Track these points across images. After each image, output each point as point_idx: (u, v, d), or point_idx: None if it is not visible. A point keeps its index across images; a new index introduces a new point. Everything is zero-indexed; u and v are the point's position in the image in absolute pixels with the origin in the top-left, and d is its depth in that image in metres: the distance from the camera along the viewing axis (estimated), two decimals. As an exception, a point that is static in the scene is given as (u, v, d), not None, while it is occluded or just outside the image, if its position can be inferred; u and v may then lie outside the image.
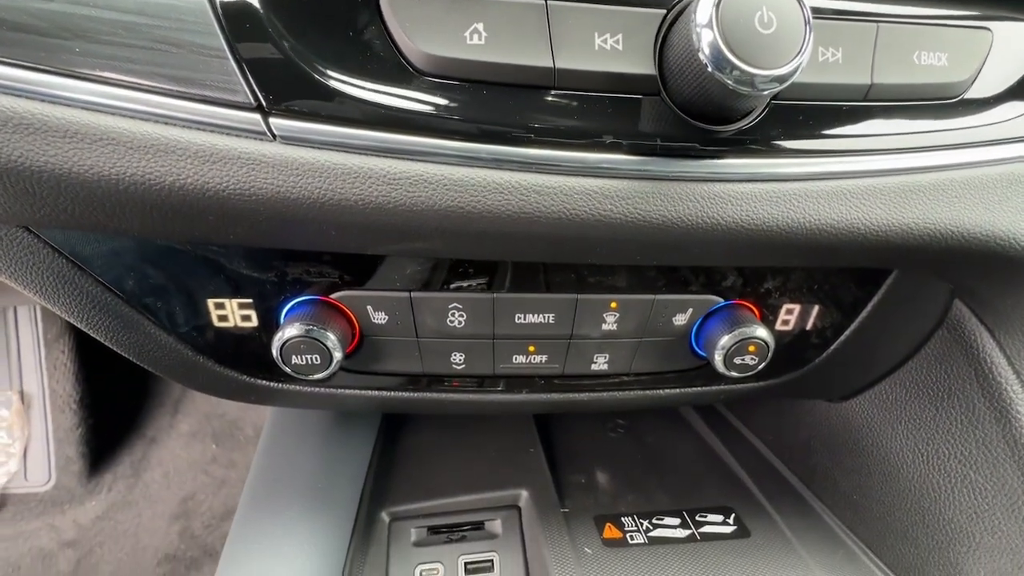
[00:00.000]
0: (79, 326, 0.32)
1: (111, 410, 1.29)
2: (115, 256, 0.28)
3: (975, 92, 0.26)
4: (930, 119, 0.26)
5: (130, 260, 0.28)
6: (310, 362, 0.29)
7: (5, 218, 0.25)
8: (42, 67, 0.21)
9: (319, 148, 0.22)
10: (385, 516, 0.42)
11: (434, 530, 0.41)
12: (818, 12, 0.23)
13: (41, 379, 1.21)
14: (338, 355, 0.29)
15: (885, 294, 0.33)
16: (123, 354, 0.33)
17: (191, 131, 0.22)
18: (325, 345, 0.28)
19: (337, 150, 0.22)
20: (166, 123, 0.22)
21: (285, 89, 0.21)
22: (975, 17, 0.26)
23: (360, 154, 0.22)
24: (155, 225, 0.25)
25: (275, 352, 0.28)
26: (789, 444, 0.46)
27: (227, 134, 0.22)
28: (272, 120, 0.22)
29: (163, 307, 0.30)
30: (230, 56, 0.21)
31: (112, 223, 0.25)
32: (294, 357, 0.28)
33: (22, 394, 1.22)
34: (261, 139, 0.22)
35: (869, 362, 0.37)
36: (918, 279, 0.32)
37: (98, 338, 0.32)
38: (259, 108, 0.21)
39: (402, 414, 0.52)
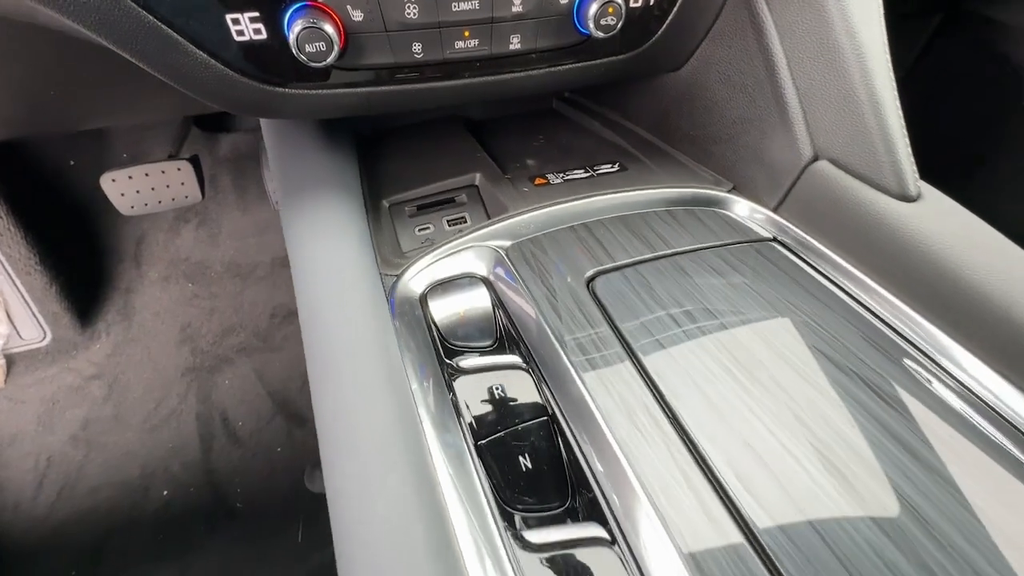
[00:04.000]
0: (132, 56, 0.42)
1: (75, 269, 1.35)
2: None
3: None
4: None
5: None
6: (319, 49, 0.42)
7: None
8: None
9: None
10: (385, 203, 0.59)
11: (421, 207, 0.60)
12: None
13: (-10, 248, 1.23)
14: (337, 41, 0.42)
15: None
16: (170, 80, 0.44)
17: None
18: (327, 32, 0.41)
19: None
20: None
21: None
22: None
23: None
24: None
25: (292, 42, 0.41)
26: (653, 117, 0.66)
27: None
28: None
29: (196, 27, 0.41)
30: None
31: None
32: (307, 45, 0.41)
33: (-22, 265, 1.25)
34: None
35: (692, 30, 0.54)
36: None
37: (146, 65, 0.43)
38: None
39: (372, 138, 0.67)
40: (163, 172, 1.26)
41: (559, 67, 0.52)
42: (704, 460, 0.33)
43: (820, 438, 0.34)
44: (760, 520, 0.30)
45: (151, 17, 0.40)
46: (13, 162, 1.31)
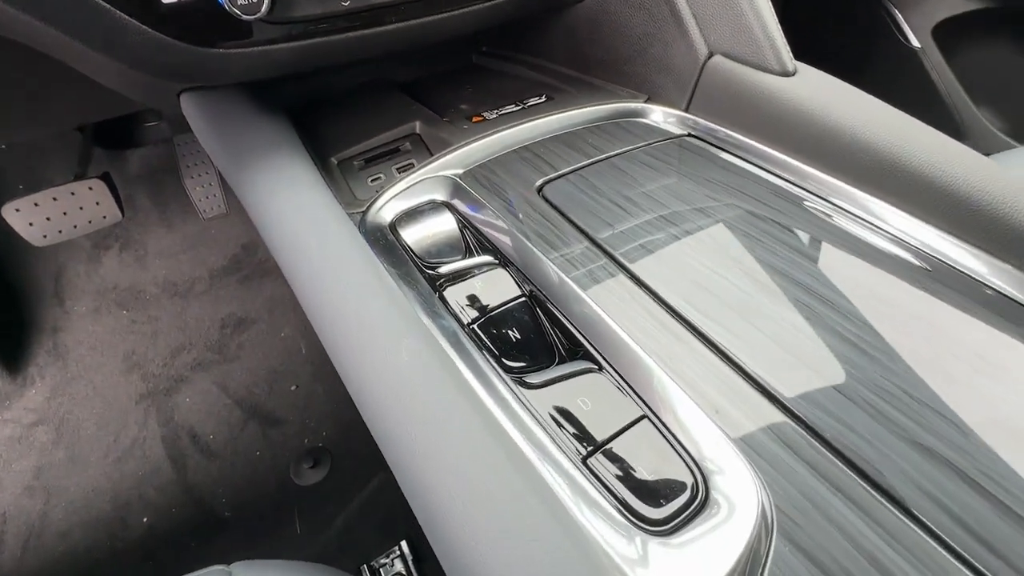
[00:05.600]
0: (51, 26, 0.42)
1: (-10, 316, 1.25)
2: None
3: None
4: None
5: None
6: (250, 0, 0.44)
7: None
8: None
9: None
10: (333, 160, 0.61)
11: (369, 160, 0.62)
12: None
13: None
14: (267, -10, 0.44)
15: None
16: (95, 47, 0.44)
17: None
18: (256, -18, 0.43)
19: None
20: None
21: None
22: None
23: None
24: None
25: (224, -5, 0.43)
26: (568, 52, 0.72)
27: None
28: None
29: (119, -10, 0.41)
30: None
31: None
32: (239, -2, 0.43)
33: None
34: None
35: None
36: None
37: (71, 37, 0.43)
38: None
39: (304, 108, 0.69)
40: (73, 194, 1.19)
41: (475, 7, 0.57)
42: (667, 304, 0.39)
43: (751, 273, 0.42)
44: (725, 340, 0.36)
45: (74, -16, 0.40)
46: None
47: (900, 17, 1.59)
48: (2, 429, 1.21)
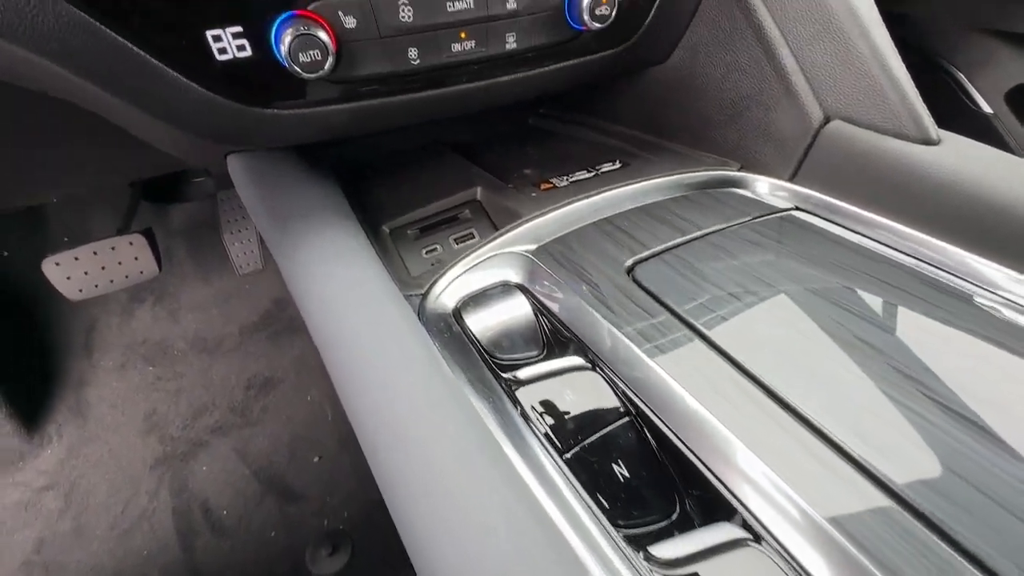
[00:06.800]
0: (97, 85, 0.37)
1: (18, 370, 1.22)
2: (124, 6, 0.34)
3: None
4: None
5: (135, 7, 0.34)
6: (313, 57, 0.38)
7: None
8: None
9: None
10: (385, 229, 0.55)
11: (424, 229, 0.56)
12: None
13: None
14: (331, 48, 0.39)
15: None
16: (146, 109, 0.39)
17: None
18: (320, 39, 0.38)
19: None
20: None
21: None
22: None
23: None
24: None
25: (284, 53, 0.37)
26: (640, 114, 0.65)
27: None
28: None
29: (172, 46, 0.37)
30: None
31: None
32: (300, 55, 0.38)
33: (-100, 379, 1.10)
34: None
35: (676, 15, 0.54)
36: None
37: (116, 96, 0.38)
38: None
39: (354, 171, 0.63)
40: (113, 249, 1.17)
41: (552, 66, 0.51)
42: (813, 425, 0.30)
43: (919, 382, 0.32)
44: (901, 478, 0.26)
45: (120, 38, 0.35)
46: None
47: (967, 82, 1.52)
48: (11, 493, 1.14)
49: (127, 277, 1.20)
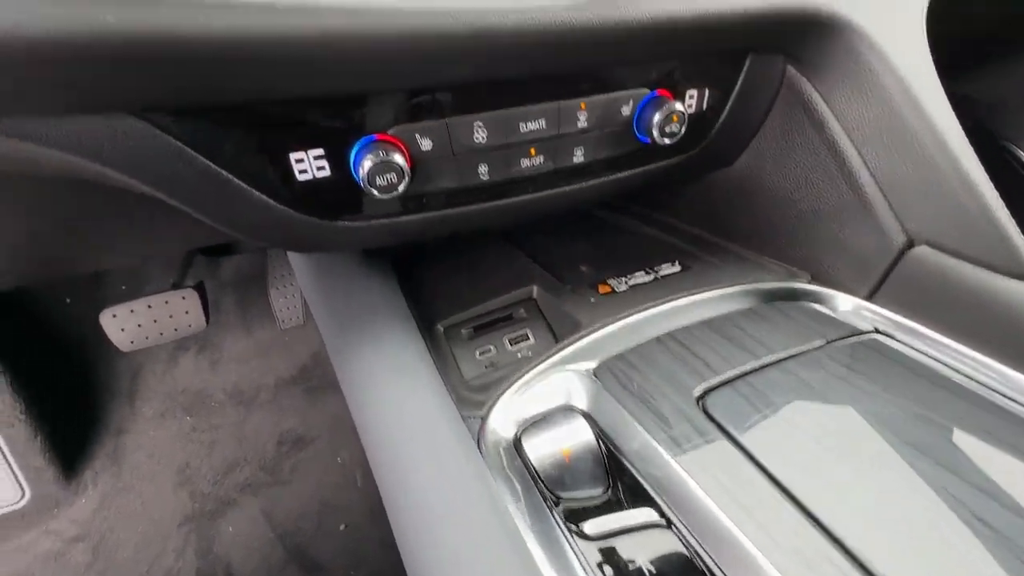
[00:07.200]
0: (181, 204, 0.38)
1: (63, 415, 1.25)
2: (215, 134, 0.35)
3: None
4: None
5: (226, 135, 0.36)
6: (390, 181, 0.39)
7: (119, 98, 0.32)
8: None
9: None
10: (439, 327, 0.54)
11: (478, 328, 0.55)
12: None
13: (-26, 401, 1.13)
14: (407, 172, 0.39)
15: (746, 73, 0.49)
16: (226, 229, 0.41)
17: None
18: (397, 163, 0.38)
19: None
20: None
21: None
22: None
23: None
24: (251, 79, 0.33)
25: (362, 177, 0.38)
26: (703, 214, 0.64)
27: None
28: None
29: (256, 168, 0.38)
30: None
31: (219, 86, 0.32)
32: (378, 178, 0.38)
33: (-44, 421, 1.14)
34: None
35: (744, 125, 0.54)
36: (763, 56, 0.48)
37: (204, 216, 0.39)
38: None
39: (408, 259, 0.64)
40: (167, 303, 1.21)
41: (617, 175, 0.51)
42: None
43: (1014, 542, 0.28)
44: None
45: (212, 164, 0.37)
46: (4, 304, 1.25)
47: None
48: (43, 542, 1.15)
49: (176, 330, 1.23)
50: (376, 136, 0.39)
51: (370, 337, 0.48)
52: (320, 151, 0.39)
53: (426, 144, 0.41)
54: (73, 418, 1.30)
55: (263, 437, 1.36)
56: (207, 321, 1.27)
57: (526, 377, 0.44)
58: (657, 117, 0.46)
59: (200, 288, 1.26)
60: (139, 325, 1.19)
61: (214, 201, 0.39)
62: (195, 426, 1.37)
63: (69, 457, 1.26)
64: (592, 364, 0.45)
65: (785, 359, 0.44)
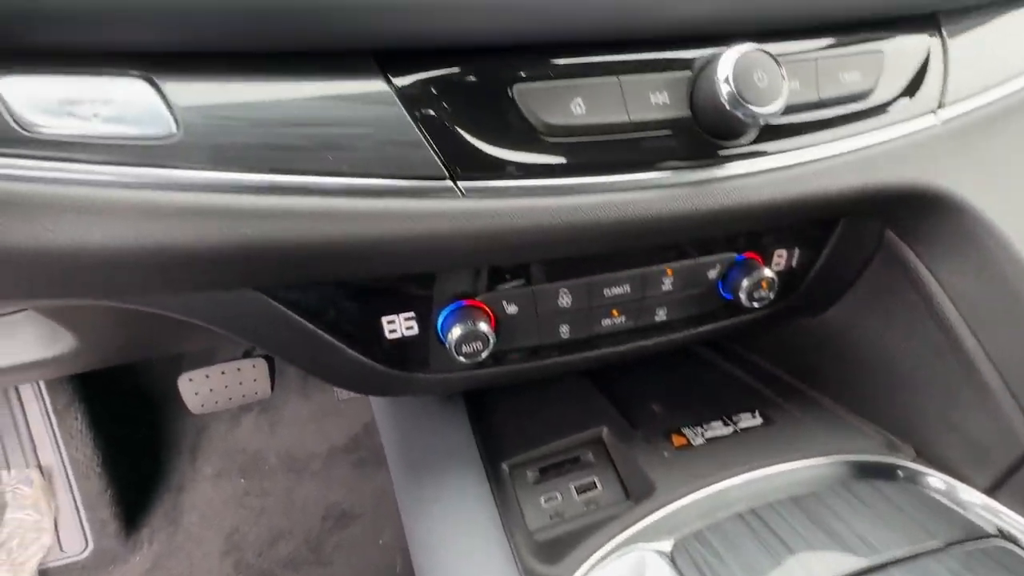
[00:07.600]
0: (276, 355, 0.41)
1: (132, 469, 1.31)
2: (320, 303, 0.38)
3: (879, 95, 0.40)
4: (855, 118, 0.40)
5: (329, 301, 0.38)
6: (475, 348, 0.39)
7: (249, 282, 0.34)
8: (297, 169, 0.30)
9: (494, 197, 0.33)
10: (505, 467, 0.53)
11: (544, 471, 0.53)
12: (782, 58, 0.35)
13: (58, 451, 1.21)
14: (492, 339, 0.40)
15: (839, 234, 0.48)
16: (312, 372, 0.42)
17: (404, 199, 0.32)
18: (483, 332, 0.39)
19: (508, 197, 0.33)
20: (388, 197, 0.32)
21: (465, 162, 0.32)
22: (870, 40, 0.40)
23: (519, 197, 0.33)
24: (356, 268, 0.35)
25: (450, 345, 0.39)
26: (790, 357, 0.61)
27: (430, 197, 0.32)
28: (459, 183, 0.32)
29: (350, 329, 0.40)
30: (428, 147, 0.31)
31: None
32: (464, 346, 0.39)
33: (41, 468, 1.22)
34: (454, 197, 0.32)
35: (837, 282, 0.51)
36: (859, 220, 0.47)
37: (290, 362, 0.41)
38: (451, 176, 0.32)
39: (480, 395, 0.63)
40: (239, 370, 1.28)
41: (699, 329, 0.50)
42: None
43: None
44: None
45: (310, 325, 0.39)
46: (96, 363, 1.36)
47: None
48: (95, 599, 1.18)
49: (244, 396, 1.29)
50: (464, 302, 0.41)
51: (434, 482, 0.48)
52: (411, 313, 0.41)
53: (511, 309, 0.42)
54: (140, 473, 1.36)
55: (309, 509, 1.37)
56: (272, 389, 1.32)
57: (601, 552, 0.42)
58: (746, 283, 0.45)
59: (270, 358, 1.32)
60: (211, 390, 1.26)
61: (302, 352, 0.41)
62: (247, 489, 1.40)
63: (131, 511, 1.31)
64: (669, 543, 0.42)
65: (888, 564, 0.39)
